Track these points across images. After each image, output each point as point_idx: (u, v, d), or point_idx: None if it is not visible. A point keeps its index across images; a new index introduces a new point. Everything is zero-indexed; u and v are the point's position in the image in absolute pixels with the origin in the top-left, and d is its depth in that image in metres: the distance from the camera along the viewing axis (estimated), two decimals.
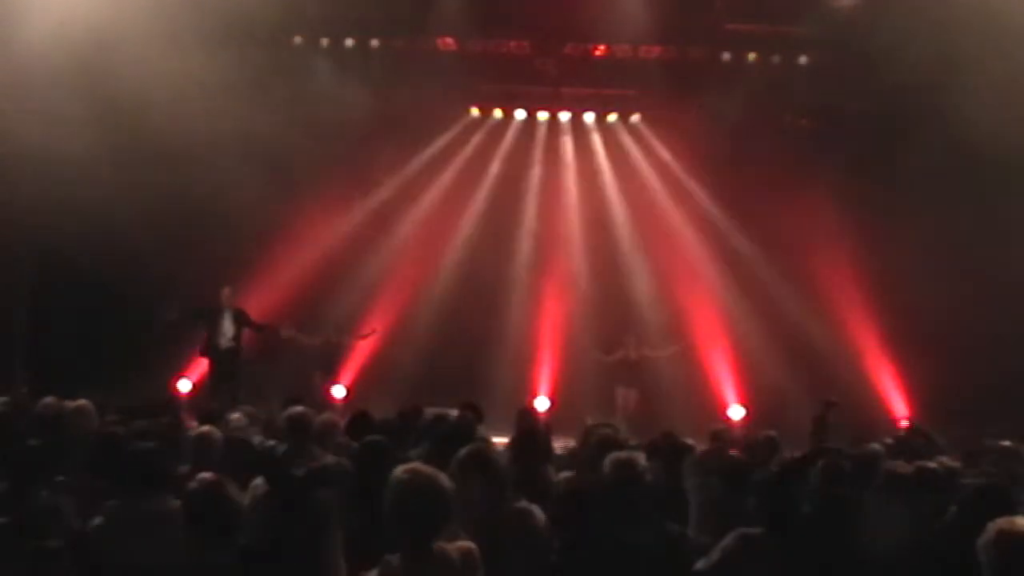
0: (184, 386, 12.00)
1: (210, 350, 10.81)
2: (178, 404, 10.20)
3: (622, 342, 12.19)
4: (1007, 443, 6.92)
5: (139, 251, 11.03)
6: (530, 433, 5.40)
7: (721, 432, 7.31)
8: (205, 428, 5.67)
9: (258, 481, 4.78)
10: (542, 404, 12.10)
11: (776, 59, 12.69)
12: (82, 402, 6.55)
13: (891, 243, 11.32)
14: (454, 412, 7.77)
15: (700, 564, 3.94)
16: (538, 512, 4.06)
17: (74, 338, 10.97)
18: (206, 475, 3.73)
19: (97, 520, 3.94)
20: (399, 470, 3.17)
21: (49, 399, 7.02)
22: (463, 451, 4.09)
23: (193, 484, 3.67)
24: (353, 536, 4.28)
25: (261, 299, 12.08)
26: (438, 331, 12.35)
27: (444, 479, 3.16)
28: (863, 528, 4.32)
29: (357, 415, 6.54)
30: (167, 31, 10.34)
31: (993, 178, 10.75)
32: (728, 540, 3.95)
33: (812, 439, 7.71)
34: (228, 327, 10.79)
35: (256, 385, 10.75)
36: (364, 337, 12.37)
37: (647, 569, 3.75)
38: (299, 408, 5.59)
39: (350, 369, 12.51)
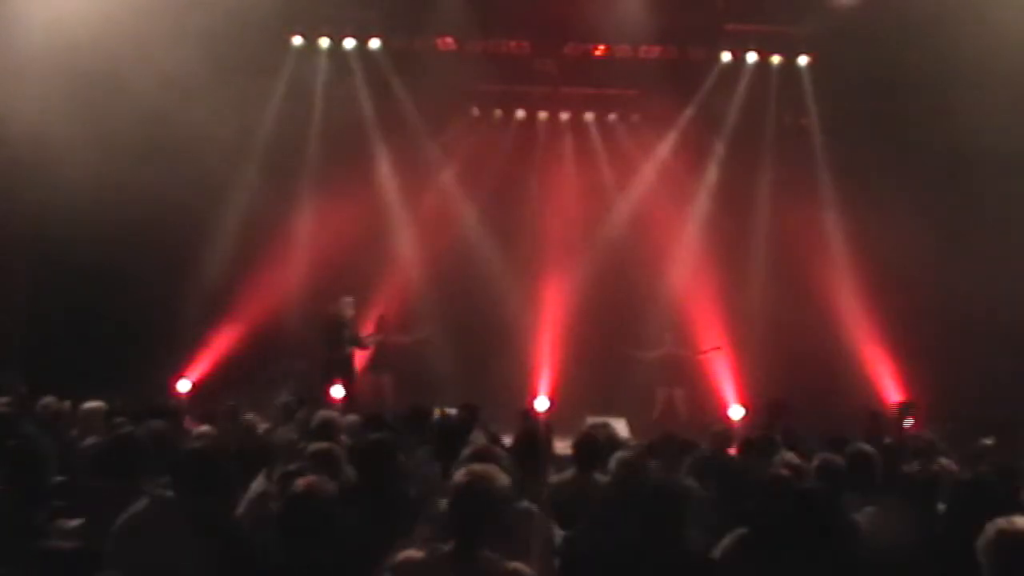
0: (184, 387, 12.00)
1: (333, 362, 11.03)
2: (179, 405, 10.20)
3: (661, 340, 12.17)
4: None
5: (139, 250, 11.02)
6: (531, 436, 5.42)
7: (721, 432, 7.31)
8: (205, 428, 5.70)
9: (259, 480, 4.80)
10: (542, 404, 12.10)
11: (776, 59, 12.71)
12: (95, 404, 6.58)
13: (891, 243, 11.30)
14: (453, 411, 7.83)
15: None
16: (539, 513, 4.07)
17: (74, 338, 10.96)
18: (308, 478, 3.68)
19: (135, 510, 3.90)
20: (460, 470, 3.29)
21: (49, 399, 7.04)
22: (468, 450, 4.11)
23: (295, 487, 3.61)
24: (357, 531, 4.28)
25: (260, 298, 12.10)
26: (438, 331, 12.34)
27: (500, 480, 3.23)
28: (863, 528, 4.32)
29: (370, 417, 6.61)
30: (166, 30, 10.34)
31: (994, 178, 10.74)
32: (727, 541, 3.96)
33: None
34: (347, 337, 11.08)
35: (258, 387, 10.74)
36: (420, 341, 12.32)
37: (648, 569, 3.76)
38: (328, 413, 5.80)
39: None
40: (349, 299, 11.22)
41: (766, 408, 9.72)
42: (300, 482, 3.62)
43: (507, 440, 6.17)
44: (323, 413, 6.05)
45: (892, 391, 12.01)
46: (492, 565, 3.14)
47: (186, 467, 3.98)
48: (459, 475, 3.25)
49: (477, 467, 3.32)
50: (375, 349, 12.09)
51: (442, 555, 3.15)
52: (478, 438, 5.78)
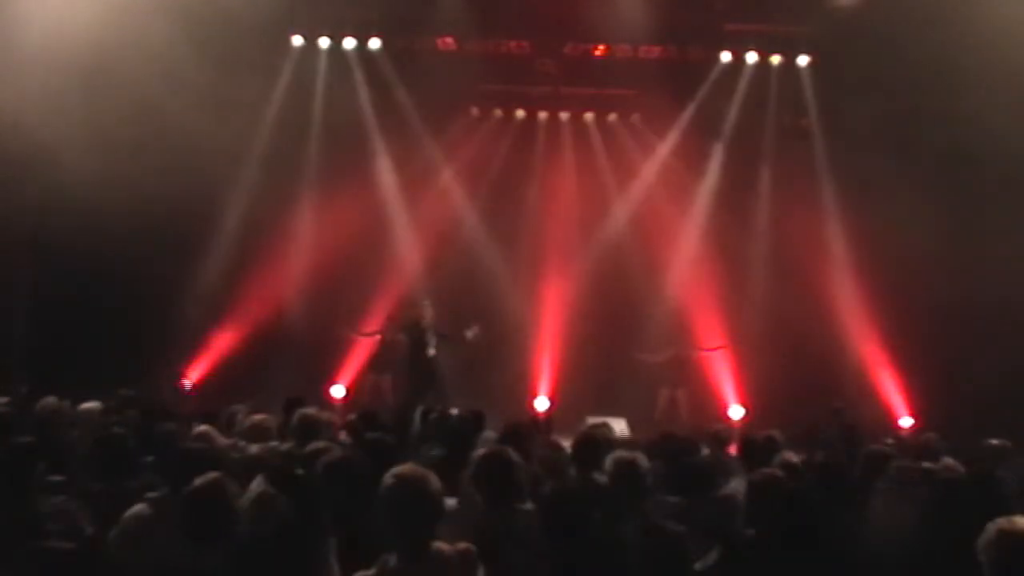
0: (184, 386, 12.00)
1: (416, 363, 11.02)
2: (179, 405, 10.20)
3: (671, 341, 12.12)
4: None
5: (139, 250, 11.03)
6: (515, 434, 5.42)
7: (720, 432, 7.30)
8: (204, 428, 5.69)
9: (257, 480, 4.78)
10: (542, 404, 12.11)
11: (776, 59, 12.71)
12: (91, 404, 6.58)
13: (892, 243, 11.31)
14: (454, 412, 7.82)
15: (699, 565, 3.94)
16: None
17: (74, 338, 10.97)
18: (208, 475, 3.72)
19: (134, 512, 3.89)
20: (389, 473, 3.24)
21: (50, 399, 7.03)
22: (482, 453, 4.10)
23: (195, 483, 3.65)
24: (353, 534, 4.27)
25: (260, 298, 12.10)
26: (438, 331, 12.32)
27: (434, 480, 3.22)
28: (863, 528, 4.32)
29: (363, 414, 6.58)
30: (166, 30, 10.34)
31: (996, 178, 10.73)
32: (726, 541, 3.95)
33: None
34: (431, 339, 11.08)
35: (257, 386, 10.73)
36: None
37: (646, 569, 3.75)
38: (309, 410, 5.73)
39: (350, 369, 12.51)
40: (427, 302, 11.28)
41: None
42: (199, 480, 3.64)
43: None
44: (305, 411, 5.97)
45: (892, 391, 12.02)
46: (442, 555, 3.14)
47: (185, 468, 3.98)
48: (388, 482, 3.19)
49: (406, 470, 3.28)
50: (375, 350, 12.10)
51: (394, 568, 3.13)
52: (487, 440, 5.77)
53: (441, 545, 3.17)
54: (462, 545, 3.20)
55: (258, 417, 6.19)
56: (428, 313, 11.20)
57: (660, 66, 12.58)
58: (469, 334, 11.08)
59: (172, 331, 11.62)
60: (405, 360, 11.26)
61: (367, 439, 4.97)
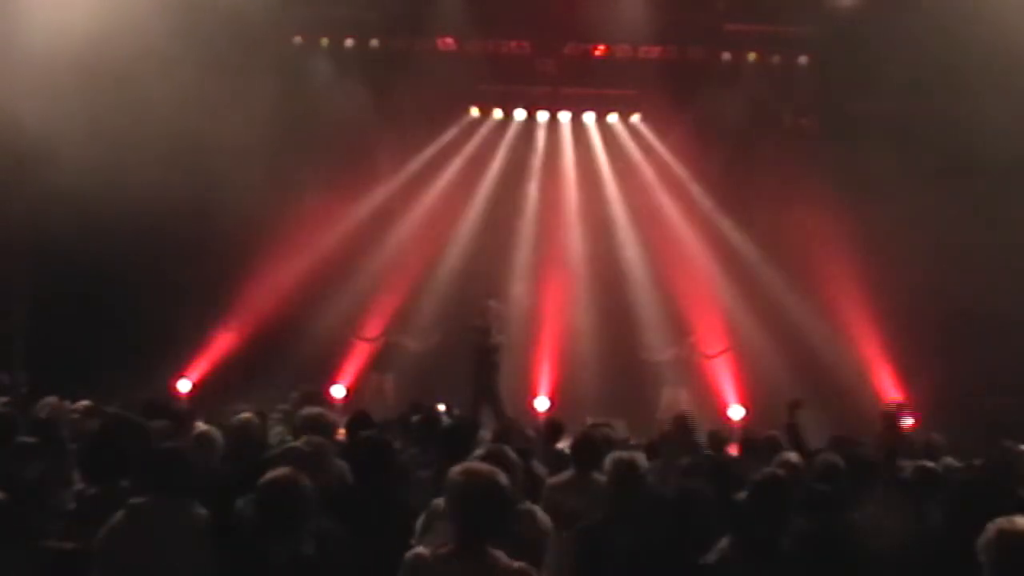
0: (184, 386, 12.00)
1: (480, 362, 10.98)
2: (179, 404, 10.19)
3: (677, 341, 12.09)
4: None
5: (139, 250, 11.04)
6: (505, 433, 5.43)
7: (719, 432, 7.30)
8: (205, 428, 5.69)
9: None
10: (542, 404, 12.10)
11: (776, 59, 12.72)
12: (84, 403, 6.58)
13: (891, 243, 11.31)
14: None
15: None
16: (540, 513, 4.08)
17: (74, 338, 10.97)
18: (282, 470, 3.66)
19: (116, 520, 3.83)
20: (458, 467, 3.27)
21: (50, 399, 7.03)
22: (480, 451, 4.11)
23: (268, 477, 3.59)
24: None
25: (260, 298, 12.11)
26: (437, 332, 12.34)
27: (501, 480, 3.21)
28: (861, 528, 4.32)
29: (357, 415, 6.58)
30: (167, 30, 10.34)
31: (996, 178, 10.72)
32: (725, 541, 3.95)
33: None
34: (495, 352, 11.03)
35: (261, 384, 10.73)
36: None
37: (647, 569, 3.76)
38: (317, 409, 5.74)
39: (350, 369, 12.51)
40: (492, 302, 11.23)
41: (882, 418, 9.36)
42: (269, 474, 3.59)
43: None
44: (311, 409, 5.96)
45: (892, 391, 12.00)
46: (498, 563, 3.12)
47: (158, 467, 3.92)
48: (457, 474, 3.21)
49: (476, 466, 3.31)
50: (376, 349, 12.10)
51: (449, 553, 3.14)
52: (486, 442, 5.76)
53: (501, 555, 3.13)
54: (519, 564, 3.16)
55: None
56: (495, 313, 11.13)
57: (660, 66, 12.58)
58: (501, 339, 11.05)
59: (172, 331, 11.62)
60: (473, 363, 11.11)
61: (360, 437, 4.97)
